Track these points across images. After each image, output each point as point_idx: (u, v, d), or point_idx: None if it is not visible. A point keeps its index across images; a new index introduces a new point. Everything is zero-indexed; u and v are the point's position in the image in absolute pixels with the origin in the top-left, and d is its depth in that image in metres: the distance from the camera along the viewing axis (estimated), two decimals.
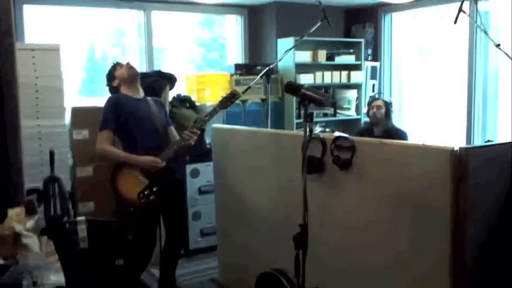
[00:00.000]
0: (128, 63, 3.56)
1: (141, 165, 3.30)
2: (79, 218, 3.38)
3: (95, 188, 4.27)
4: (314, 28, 4.05)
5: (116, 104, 3.43)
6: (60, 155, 4.01)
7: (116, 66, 3.61)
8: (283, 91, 2.31)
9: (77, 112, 4.29)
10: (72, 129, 4.26)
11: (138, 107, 3.48)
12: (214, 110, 3.38)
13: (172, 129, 3.70)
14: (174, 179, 3.56)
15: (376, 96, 4.93)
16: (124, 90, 3.53)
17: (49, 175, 3.78)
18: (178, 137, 3.50)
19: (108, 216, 4.14)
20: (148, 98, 3.65)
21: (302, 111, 2.18)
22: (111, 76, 3.62)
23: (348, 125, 6.17)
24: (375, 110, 4.49)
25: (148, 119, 3.50)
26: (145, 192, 3.25)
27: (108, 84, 3.64)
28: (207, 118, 3.37)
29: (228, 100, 3.37)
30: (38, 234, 2.74)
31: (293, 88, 2.24)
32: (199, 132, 3.37)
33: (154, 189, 3.27)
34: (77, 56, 5.65)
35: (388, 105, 4.51)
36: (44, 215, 3.62)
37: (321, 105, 2.25)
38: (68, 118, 4.29)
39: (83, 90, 5.81)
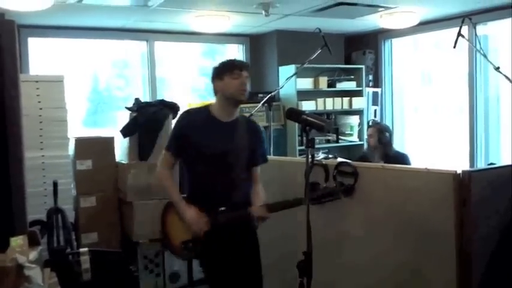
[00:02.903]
0: (246, 78, 2.70)
1: (183, 217, 2.69)
2: (82, 250, 3.38)
3: (98, 218, 4.26)
4: (315, 55, 4.10)
5: (186, 124, 2.75)
6: (64, 185, 4.02)
7: (223, 71, 2.70)
8: (285, 117, 2.33)
9: (80, 142, 4.31)
10: (75, 160, 4.27)
11: (215, 137, 2.70)
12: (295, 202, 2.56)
13: (257, 170, 2.88)
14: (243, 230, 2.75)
15: (370, 123, 4.96)
16: (216, 104, 2.75)
17: (52, 206, 3.79)
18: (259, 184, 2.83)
19: (112, 246, 4.12)
20: (242, 119, 2.85)
21: (304, 138, 2.18)
22: (211, 79, 2.79)
23: (350, 150, 6.17)
24: (368, 139, 4.62)
25: (222, 151, 2.71)
26: (190, 244, 2.67)
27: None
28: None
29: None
30: (41, 266, 2.73)
31: (295, 114, 2.26)
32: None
33: (200, 243, 2.66)
34: (80, 87, 5.72)
35: (381, 132, 4.53)
36: (47, 247, 3.62)
37: (322, 131, 2.26)
38: (71, 149, 4.31)
39: (86, 121, 5.86)
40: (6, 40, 2.30)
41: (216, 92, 2.74)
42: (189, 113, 2.86)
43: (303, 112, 2.23)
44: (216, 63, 2.79)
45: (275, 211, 2.62)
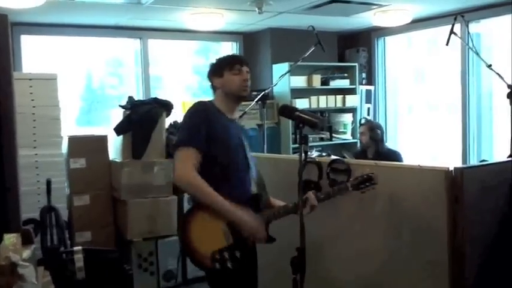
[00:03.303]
0: (248, 73, 2.55)
1: (241, 226, 2.34)
2: (76, 248, 3.36)
3: (92, 217, 4.25)
4: (308, 53, 4.11)
5: (204, 112, 2.44)
6: (57, 184, 4.01)
7: (222, 67, 2.54)
8: (279, 114, 2.32)
9: (73, 141, 4.30)
10: (69, 158, 4.26)
11: (229, 129, 2.50)
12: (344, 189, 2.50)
13: None
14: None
15: (362, 121, 4.97)
16: (218, 101, 2.55)
17: (46, 205, 3.77)
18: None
19: (106, 245, 4.12)
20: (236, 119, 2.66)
21: (298, 135, 2.19)
22: (209, 75, 2.61)
23: (344, 148, 6.18)
24: (362, 137, 4.63)
25: (243, 152, 2.53)
26: (223, 255, 2.28)
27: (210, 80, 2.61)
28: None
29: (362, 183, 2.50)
30: (34, 265, 2.72)
31: (288, 111, 2.26)
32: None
33: (236, 254, 2.31)
34: (74, 85, 5.71)
35: (373, 130, 4.55)
36: (40, 245, 3.60)
37: (315, 128, 2.25)
38: (64, 147, 4.30)
39: (80, 120, 5.85)
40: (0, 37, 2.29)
41: (214, 89, 2.57)
42: (205, 103, 2.53)
43: (296, 109, 2.23)
44: (214, 59, 2.64)
45: (321, 201, 2.47)
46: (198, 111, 2.44)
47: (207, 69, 2.64)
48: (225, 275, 2.32)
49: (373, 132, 4.53)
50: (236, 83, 2.50)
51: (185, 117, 2.48)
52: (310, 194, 2.46)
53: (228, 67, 2.52)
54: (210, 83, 2.61)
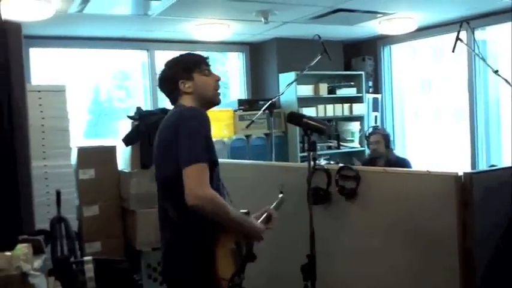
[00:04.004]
0: (218, 77, 2.33)
1: (252, 234, 2.20)
2: (86, 258, 3.38)
3: (102, 227, 4.27)
4: (314, 61, 4.12)
5: (205, 122, 2.14)
6: (67, 195, 4.02)
7: (191, 66, 2.26)
8: (286, 121, 2.28)
9: (82, 152, 4.33)
10: (78, 169, 4.29)
11: None
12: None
13: None
14: None
15: (373, 129, 4.87)
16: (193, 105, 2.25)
17: (56, 215, 3.79)
18: None
19: (116, 255, 4.13)
20: None
21: (306, 143, 2.19)
22: (172, 78, 2.27)
23: (351, 157, 6.19)
24: (375, 146, 4.53)
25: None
26: (235, 279, 2.10)
27: (166, 89, 2.32)
28: None
29: None
30: (45, 274, 2.74)
31: (295, 118, 2.27)
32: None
33: (242, 276, 2.15)
34: (82, 98, 5.75)
35: (386, 137, 4.53)
36: (51, 256, 3.62)
37: (323, 134, 2.27)
38: (73, 158, 4.33)
39: (87, 132, 5.88)
40: (14, 53, 2.32)
41: (179, 94, 2.24)
42: (196, 108, 2.21)
43: (304, 116, 2.24)
44: (170, 60, 2.31)
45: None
46: (205, 120, 2.13)
47: (162, 76, 2.30)
48: None
49: (388, 140, 4.52)
50: (211, 85, 2.25)
51: (191, 127, 2.10)
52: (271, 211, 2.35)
53: (198, 69, 2.24)
54: (170, 91, 2.28)
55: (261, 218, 2.29)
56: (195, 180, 2.00)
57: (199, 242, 2.09)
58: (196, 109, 2.19)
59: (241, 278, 2.12)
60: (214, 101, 2.29)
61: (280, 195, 2.44)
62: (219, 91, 2.27)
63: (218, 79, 2.27)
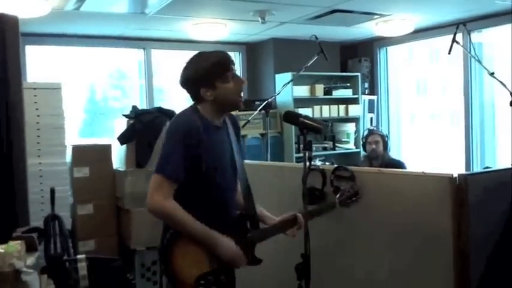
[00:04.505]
0: (242, 81, 2.32)
1: (220, 253, 2.18)
2: (79, 256, 3.36)
3: (96, 226, 4.26)
4: (311, 62, 4.13)
5: (188, 132, 2.16)
6: (61, 193, 4.00)
7: (213, 75, 2.21)
8: (283, 120, 2.27)
9: (77, 150, 4.32)
10: (72, 167, 4.27)
11: (219, 144, 2.29)
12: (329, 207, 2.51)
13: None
14: None
15: (371, 129, 4.85)
16: (205, 109, 2.25)
17: (50, 213, 3.77)
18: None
19: (109, 254, 4.11)
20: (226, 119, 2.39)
21: (302, 142, 2.19)
22: (195, 83, 2.24)
23: (347, 158, 6.19)
24: (373, 146, 4.50)
25: (230, 160, 2.34)
26: (208, 278, 2.15)
27: (191, 89, 2.29)
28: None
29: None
30: (38, 272, 2.73)
31: (292, 117, 2.26)
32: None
33: (221, 277, 2.19)
34: (77, 96, 5.73)
35: (385, 138, 4.53)
36: (44, 254, 3.60)
37: (319, 133, 2.27)
38: (68, 156, 4.31)
39: (83, 131, 5.86)
40: (11, 51, 2.31)
41: (200, 99, 2.25)
42: (189, 118, 2.21)
43: (300, 115, 2.24)
44: (195, 64, 2.26)
45: (310, 219, 2.33)
46: (184, 134, 2.15)
47: (183, 77, 2.28)
48: None
49: (386, 141, 4.52)
50: (234, 92, 2.23)
51: (169, 136, 2.19)
52: (300, 216, 2.34)
53: (221, 77, 2.21)
54: (191, 92, 2.28)
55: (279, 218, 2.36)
56: (151, 189, 2.12)
57: (165, 232, 2.18)
58: (182, 120, 2.22)
59: (221, 281, 2.16)
60: (235, 107, 2.32)
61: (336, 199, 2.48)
62: (241, 96, 2.28)
63: (242, 83, 2.27)
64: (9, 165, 2.39)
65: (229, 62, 2.25)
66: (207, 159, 2.18)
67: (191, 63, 2.28)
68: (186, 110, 2.28)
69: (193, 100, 2.29)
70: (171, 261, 2.13)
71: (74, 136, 5.32)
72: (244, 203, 2.36)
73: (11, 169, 2.37)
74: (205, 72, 2.20)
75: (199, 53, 2.31)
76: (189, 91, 2.28)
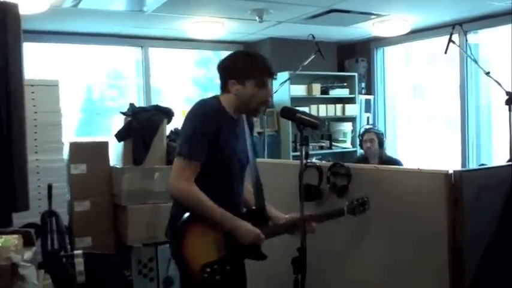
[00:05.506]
0: (270, 94, 2.39)
1: (240, 237, 2.25)
2: (76, 252, 3.37)
3: (93, 222, 4.25)
4: (308, 61, 4.15)
5: (210, 119, 2.25)
6: (58, 189, 4.01)
7: (250, 74, 2.28)
8: (280, 116, 2.30)
9: (75, 147, 4.32)
10: (70, 164, 4.28)
11: (234, 136, 2.35)
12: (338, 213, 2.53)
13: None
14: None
15: (367, 128, 4.86)
16: (226, 101, 2.32)
17: (47, 209, 3.78)
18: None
19: (106, 251, 4.11)
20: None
21: (298, 139, 2.21)
22: (228, 72, 2.31)
23: (343, 157, 6.20)
24: (368, 144, 4.52)
25: (242, 154, 2.40)
26: (214, 267, 2.19)
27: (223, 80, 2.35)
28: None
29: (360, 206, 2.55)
30: (35, 267, 2.73)
31: (289, 113, 2.27)
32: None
33: (227, 267, 2.23)
34: (74, 96, 5.73)
35: (380, 136, 4.55)
36: (41, 250, 3.60)
37: (316, 129, 2.27)
38: (65, 153, 4.31)
39: (79, 131, 5.86)
40: (12, 48, 2.30)
41: (226, 89, 2.31)
42: (209, 105, 2.29)
43: (297, 111, 2.25)
44: (239, 56, 2.37)
45: (319, 222, 2.44)
46: (204, 118, 2.24)
47: (223, 62, 2.34)
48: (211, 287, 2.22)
49: (381, 139, 4.54)
50: (257, 100, 2.28)
51: (188, 120, 2.27)
52: (313, 225, 2.40)
53: (255, 79, 2.26)
54: (221, 79, 2.34)
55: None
56: (174, 173, 2.22)
57: (177, 216, 2.25)
58: (201, 105, 2.30)
59: (226, 271, 2.21)
60: (253, 113, 2.40)
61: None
62: (263, 107, 2.36)
63: (269, 96, 2.33)
64: (10, 160, 2.40)
65: (270, 72, 2.33)
66: (223, 148, 2.26)
67: (237, 54, 2.40)
68: (207, 98, 2.37)
69: (220, 88, 2.35)
70: (181, 246, 2.20)
71: (70, 135, 5.32)
72: (254, 199, 2.43)
73: (11, 164, 2.37)
74: (244, 66, 2.28)
75: (250, 50, 2.43)
76: (220, 77, 2.34)
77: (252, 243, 2.27)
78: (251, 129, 2.50)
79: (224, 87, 2.33)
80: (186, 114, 2.34)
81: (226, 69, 2.32)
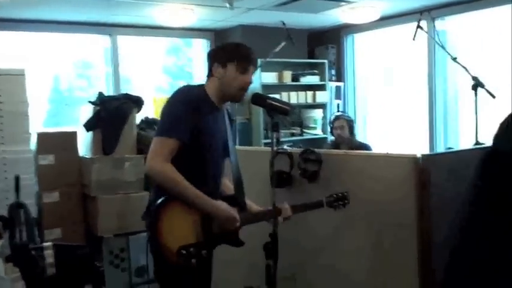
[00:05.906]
0: (250, 80, 2.42)
1: (216, 216, 2.30)
2: (45, 244, 3.31)
3: (62, 214, 4.19)
4: (279, 48, 4.15)
5: (194, 102, 2.30)
6: (26, 180, 3.93)
7: (231, 56, 2.36)
8: (251, 102, 2.31)
9: (42, 137, 4.23)
10: (37, 155, 4.19)
11: (215, 123, 2.41)
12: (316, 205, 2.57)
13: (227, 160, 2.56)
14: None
15: (338, 114, 4.86)
16: (210, 88, 2.40)
17: (14, 201, 3.70)
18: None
19: (76, 242, 4.06)
20: (227, 107, 2.59)
21: (269, 126, 2.21)
22: (213, 57, 2.41)
23: (314, 143, 6.23)
24: (339, 130, 4.56)
25: (221, 142, 2.46)
26: (190, 250, 2.17)
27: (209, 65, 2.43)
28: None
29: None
30: (3, 260, 2.68)
31: (260, 99, 2.28)
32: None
33: (202, 252, 2.22)
34: (41, 86, 5.60)
35: (350, 123, 4.59)
36: (9, 242, 3.54)
37: (287, 115, 2.27)
38: (33, 143, 4.23)
39: (47, 122, 5.74)
40: None
41: (210, 75, 2.39)
42: (193, 90, 2.37)
43: (268, 97, 2.26)
44: (223, 43, 2.46)
45: (297, 212, 2.49)
46: (186, 101, 2.28)
47: (211, 49, 2.51)
48: (183, 271, 2.22)
49: (351, 126, 4.58)
50: (236, 83, 2.34)
51: (169, 104, 2.30)
52: (286, 207, 2.44)
53: (236, 61, 2.33)
54: (208, 66, 2.41)
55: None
56: (151, 152, 2.22)
57: (154, 201, 2.26)
58: (186, 91, 2.37)
59: (203, 254, 2.19)
60: (234, 99, 2.47)
61: None
62: (243, 92, 2.40)
63: (248, 82, 2.38)
64: None
65: (251, 59, 2.38)
66: (204, 133, 2.30)
67: (226, 43, 2.50)
68: (192, 84, 2.48)
69: (207, 76, 2.43)
70: (158, 227, 2.19)
71: (38, 127, 5.20)
72: (234, 187, 2.47)
73: None
74: (227, 50, 2.38)
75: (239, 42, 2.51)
76: (208, 62, 2.42)
77: (228, 220, 2.29)
78: (231, 121, 2.56)
79: (209, 73, 2.40)
80: (168, 99, 2.37)
81: (212, 54, 2.43)
